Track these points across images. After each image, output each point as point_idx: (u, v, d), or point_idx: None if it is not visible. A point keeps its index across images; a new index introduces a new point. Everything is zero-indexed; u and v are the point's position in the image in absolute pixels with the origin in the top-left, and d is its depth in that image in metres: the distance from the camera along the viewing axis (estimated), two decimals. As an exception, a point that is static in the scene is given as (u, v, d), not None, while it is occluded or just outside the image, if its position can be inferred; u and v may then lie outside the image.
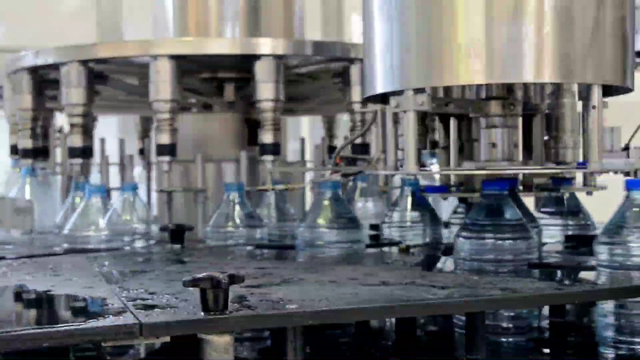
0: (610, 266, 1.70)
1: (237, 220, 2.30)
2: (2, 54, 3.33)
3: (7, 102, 2.99)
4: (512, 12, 1.69)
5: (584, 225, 2.22)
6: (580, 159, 2.18)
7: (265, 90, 2.48)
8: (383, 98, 1.94)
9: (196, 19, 2.88)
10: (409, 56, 1.77)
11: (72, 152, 2.66)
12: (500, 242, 1.77)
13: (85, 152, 2.67)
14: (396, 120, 2.00)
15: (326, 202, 2.14)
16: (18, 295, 1.65)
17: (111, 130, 3.94)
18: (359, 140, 2.59)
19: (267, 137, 2.50)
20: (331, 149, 3.07)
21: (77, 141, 2.64)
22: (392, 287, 1.59)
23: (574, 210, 2.23)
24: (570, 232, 2.18)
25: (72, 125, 2.63)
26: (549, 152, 2.15)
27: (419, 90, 1.78)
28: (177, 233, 2.31)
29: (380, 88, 1.86)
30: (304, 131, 5.49)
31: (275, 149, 2.51)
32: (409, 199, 2.29)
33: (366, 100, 2.02)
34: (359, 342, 1.94)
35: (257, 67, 2.48)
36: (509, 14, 1.69)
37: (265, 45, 2.51)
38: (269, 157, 2.51)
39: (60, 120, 3.35)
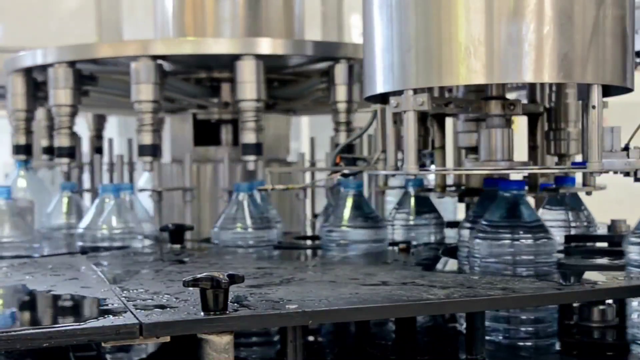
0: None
1: (248, 221, 2.26)
2: (2, 54, 3.33)
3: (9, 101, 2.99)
4: (512, 12, 1.69)
5: (586, 225, 2.22)
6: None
7: (246, 90, 2.45)
8: (383, 98, 1.94)
9: (194, 19, 2.88)
10: (409, 56, 1.77)
11: (60, 152, 2.68)
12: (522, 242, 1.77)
13: (72, 153, 2.70)
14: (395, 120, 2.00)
15: (350, 201, 2.17)
16: (18, 295, 1.65)
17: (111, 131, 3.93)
18: (343, 140, 2.56)
19: (249, 138, 2.50)
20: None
21: (64, 141, 2.66)
22: (392, 287, 1.59)
23: (576, 209, 2.22)
24: (572, 231, 2.18)
25: (59, 126, 2.65)
26: (549, 144, 2.15)
27: (418, 90, 1.78)
28: (177, 233, 2.32)
29: (380, 88, 1.86)
30: (305, 131, 5.49)
31: (258, 149, 2.50)
32: (412, 199, 2.30)
33: (367, 100, 2.02)
34: (359, 342, 1.94)
35: (237, 66, 2.47)
36: (509, 14, 1.69)
37: (245, 45, 2.49)
38: (251, 157, 2.51)
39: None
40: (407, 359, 1.85)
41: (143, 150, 2.52)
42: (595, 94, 1.74)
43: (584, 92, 1.83)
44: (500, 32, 1.69)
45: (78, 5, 5.30)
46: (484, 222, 1.83)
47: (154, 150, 2.52)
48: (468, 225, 1.96)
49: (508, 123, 2.01)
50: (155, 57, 2.47)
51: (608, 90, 1.80)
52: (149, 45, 2.50)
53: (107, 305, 1.44)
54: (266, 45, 2.51)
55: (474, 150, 2.12)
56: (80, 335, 1.24)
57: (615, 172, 1.80)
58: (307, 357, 1.64)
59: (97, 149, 3.28)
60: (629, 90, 1.83)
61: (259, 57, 2.47)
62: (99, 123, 3.37)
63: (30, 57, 2.68)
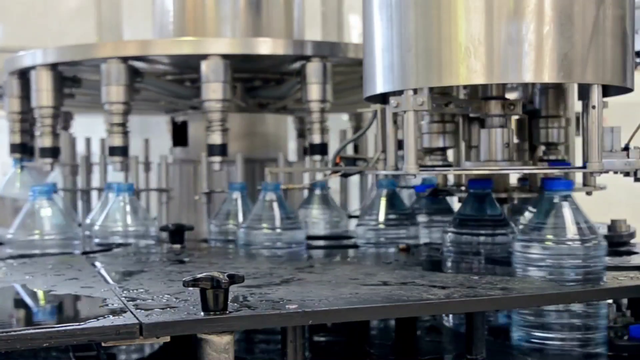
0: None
1: (276, 222, 2.21)
2: (2, 54, 3.33)
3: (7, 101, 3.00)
4: (512, 12, 1.69)
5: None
6: (571, 141, 2.19)
7: (210, 90, 2.43)
8: (383, 98, 1.94)
9: (194, 19, 2.87)
10: (409, 56, 1.77)
11: (43, 153, 2.70)
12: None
13: (55, 152, 2.72)
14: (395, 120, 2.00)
15: (384, 200, 2.22)
16: (18, 295, 1.65)
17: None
18: (318, 141, 2.53)
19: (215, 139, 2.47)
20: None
21: (47, 142, 2.68)
22: (392, 287, 1.59)
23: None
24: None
25: (43, 127, 2.68)
26: (537, 132, 2.13)
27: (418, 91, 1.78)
28: (177, 233, 2.32)
29: (380, 88, 1.86)
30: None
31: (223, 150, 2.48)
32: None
33: (367, 100, 2.02)
34: (359, 342, 1.94)
35: (202, 66, 2.44)
36: (509, 14, 1.69)
37: (215, 45, 2.46)
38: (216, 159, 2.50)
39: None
40: (407, 359, 1.85)
41: (113, 151, 2.55)
42: (595, 94, 1.74)
43: (584, 92, 1.83)
44: (500, 32, 1.69)
45: (78, 5, 5.29)
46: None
47: (124, 151, 2.55)
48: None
49: (508, 123, 2.01)
50: (125, 59, 2.48)
51: (608, 90, 1.80)
52: (119, 47, 2.52)
53: (107, 305, 1.45)
54: (227, 45, 2.48)
55: (436, 151, 2.09)
56: (80, 335, 1.24)
57: (615, 172, 1.80)
58: (307, 357, 1.64)
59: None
60: (629, 90, 1.83)
61: (225, 56, 2.44)
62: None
63: (26, 59, 2.69)
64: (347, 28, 5.53)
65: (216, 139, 2.46)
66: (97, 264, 1.98)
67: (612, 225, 2.21)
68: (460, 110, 2.02)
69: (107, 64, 2.46)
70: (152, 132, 3.66)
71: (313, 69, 2.50)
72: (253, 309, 1.37)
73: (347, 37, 5.43)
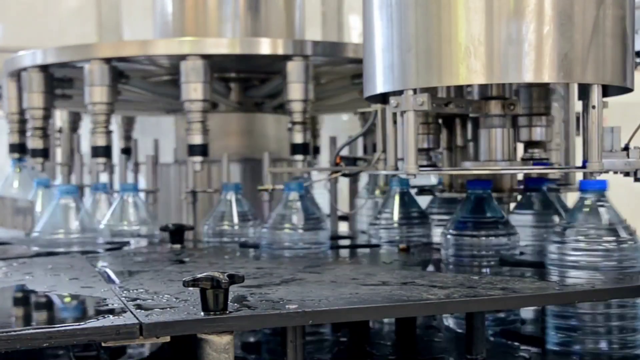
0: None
1: (297, 222, 2.18)
2: (2, 54, 3.34)
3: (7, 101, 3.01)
4: (512, 12, 1.69)
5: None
6: (554, 140, 2.18)
7: (189, 90, 2.43)
8: (383, 98, 1.94)
9: (196, 18, 2.87)
10: (409, 56, 1.77)
11: (34, 153, 2.75)
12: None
13: (46, 153, 2.76)
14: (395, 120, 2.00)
15: (397, 199, 2.25)
16: (18, 295, 1.65)
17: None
18: (300, 140, 2.49)
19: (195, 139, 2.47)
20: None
21: (37, 143, 2.72)
22: (392, 287, 1.59)
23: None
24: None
25: (34, 128, 2.71)
26: (519, 130, 2.08)
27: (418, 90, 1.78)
28: (177, 233, 2.32)
29: (380, 88, 1.86)
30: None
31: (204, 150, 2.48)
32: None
33: (367, 100, 2.02)
34: (359, 342, 1.94)
35: (182, 66, 2.44)
36: (509, 14, 1.69)
37: (193, 45, 2.46)
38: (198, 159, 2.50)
39: (59, 121, 3.38)
40: (407, 359, 1.85)
41: (96, 151, 2.56)
42: (595, 94, 1.74)
43: (584, 92, 1.83)
44: (500, 32, 1.69)
45: (78, 5, 5.29)
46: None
47: (106, 152, 2.57)
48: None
49: (508, 123, 2.01)
50: (107, 60, 2.49)
51: (608, 90, 1.80)
52: (94, 49, 2.53)
53: (107, 305, 1.45)
54: (209, 45, 2.47)
55: (421, 152, 2.08)
56: (80, 335, 1.24)
57: (615, 172, 1.80)
58: (307, 357, 1.64)
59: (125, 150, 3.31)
60: (629, 90, 1.83)
61: (205, 57, 2.43)
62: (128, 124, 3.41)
63: (25, 59, 2.70)
64: (347, 28, 5.53)
65: (196, 139, 2.45)
66: (98, 263, 1.98)
67: (612, 225, 2.21)
68: (460, 110, 2.02)
69: (90, 65, 2.48)
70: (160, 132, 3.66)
71: (293, 68, 2.46)
72: (253, 309, 1.37)
73: (347, 37, 5.43)
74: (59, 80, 2.76)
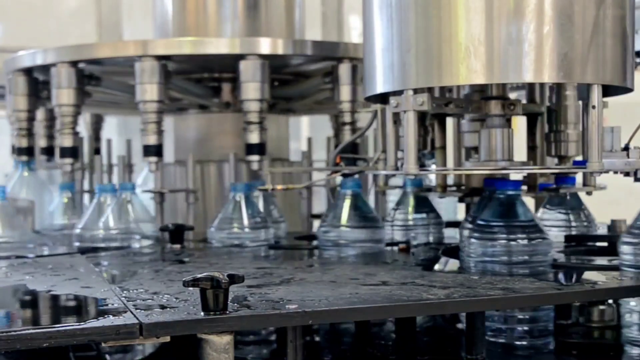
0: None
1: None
2: (2, 54, 3.34)
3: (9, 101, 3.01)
4: (512, 12, 1.69)
5: (586, 225, 2.22)
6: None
7: (143, 91, 2.43)
8: (383, 98, 1.94)
9: (195, 18, 2.87)
10: (409, 56, 1.77)
11: (20, 152, 2.82)
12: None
13: (30, 152, 2.82)
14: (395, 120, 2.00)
15: (412, 199, 2.30)
16: (18, 295, 1.65)
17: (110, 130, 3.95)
18: (255, 140, 2.48)
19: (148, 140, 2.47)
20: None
21: (23, 142, 2.80)
22: (392, 287, 1.59)
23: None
24: (572, 231, 2.18)
25: (19, 129, 2.78)
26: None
27: (418, 90, 1.78)
28: (177, 233, 2.31)
29: (380, 88, 1.86)
30: (305, 131, 5.48)
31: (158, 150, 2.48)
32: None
33: (367, 100, 2.02)
34: (359, 342, 1.94)
35: (136, 67, 2.44)
36: (509, 14, 1.69)
37: (144, 45, 2.47)
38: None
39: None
40: (407, 359, 1.85)
41: (63, 152, 2.59)
42: (595, 94, 1.74)
43: (584, 92, 1.83)
44: (500, 32, 1.69)
45: (78, 5, 5.30)
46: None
47: (74, 153, 2.61)
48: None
49: (508, 123, 2.01)
50: (74, 63, 2.52)
51: (608, 90, 1.80)
52: (65, 51, 2.56)
53: (107, 305, 1.44)
54: (162, 46, 2.48)
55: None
56: (80, 335, 1.24)
57: (615, 172, 1.80)
58: (307, 357, 1.64)
59: (96, 150, 3.29)
60: (629, 90, 1.83)
61: (159, 57, 2.44)
62: (97, 123, 3.38)
63: (31, 58, 2.70)
64: (347, 28, 5.54)
65: (151, 139, 2.46)
66: (97, 264, 1.98)
67: (612, 225, 2.21)
68: (460, 110, 2.02)
69: (57, 67, 2.51)
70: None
71: (247, 67, 2.45)
72: (253, 309, 1.37)
73: (347, 37, 5.43)
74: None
